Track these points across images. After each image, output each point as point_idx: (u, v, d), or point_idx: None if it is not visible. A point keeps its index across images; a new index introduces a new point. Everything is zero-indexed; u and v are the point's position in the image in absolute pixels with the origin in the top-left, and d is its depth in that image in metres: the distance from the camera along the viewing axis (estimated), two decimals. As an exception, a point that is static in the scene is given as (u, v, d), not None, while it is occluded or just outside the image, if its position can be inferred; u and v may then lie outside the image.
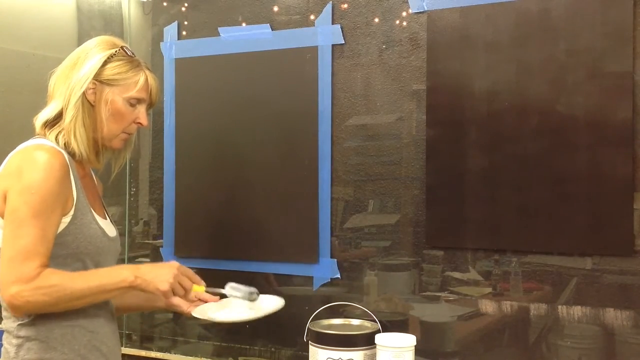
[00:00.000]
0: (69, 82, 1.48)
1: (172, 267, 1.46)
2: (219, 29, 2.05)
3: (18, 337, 1.41)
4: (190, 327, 2.11)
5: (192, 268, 1.96)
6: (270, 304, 1.58)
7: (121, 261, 2.17)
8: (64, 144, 1.47)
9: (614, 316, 1.58)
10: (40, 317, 1.40)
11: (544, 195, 1.63)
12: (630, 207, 1.55)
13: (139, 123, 1.55)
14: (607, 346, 1.59)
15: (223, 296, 1.55)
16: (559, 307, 1.63)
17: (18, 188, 1.37)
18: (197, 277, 1.52)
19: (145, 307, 1.76)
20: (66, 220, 1.42)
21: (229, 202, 2.00)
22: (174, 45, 2.13)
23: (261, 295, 1.59)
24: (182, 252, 2.09)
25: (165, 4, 2.18)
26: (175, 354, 2.10)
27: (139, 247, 2.21)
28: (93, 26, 2.31)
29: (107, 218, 1.59)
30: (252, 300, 1.56)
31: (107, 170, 1.66)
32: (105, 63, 1.49)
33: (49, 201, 1.37)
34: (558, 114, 1.62)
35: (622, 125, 1.56)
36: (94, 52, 1.50)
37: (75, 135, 1.47)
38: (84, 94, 1.47)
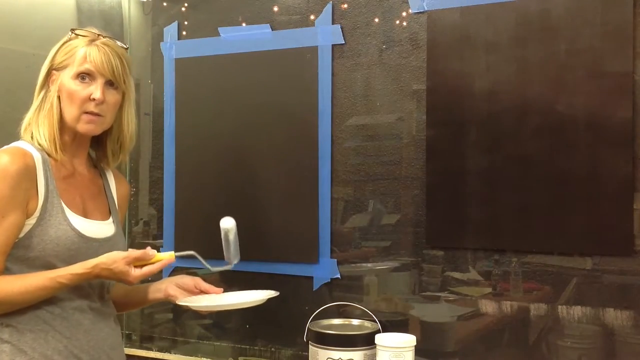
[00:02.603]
0: (38, 79, 1.51)
1: (116, 262, 1.40)
2: (219, 29, 2.05)
3: None
4: (190, 327, 2.11)
5: (192, 268, 1.99)
6: (261, 294, 1.58)
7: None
8: (37, 141, 1.46)
9: (614, 316, 1.58)
10: (12, 319, 1.39)
11: (544, 195, 1.63)
12: (630, 207, 1.55)
13: (93, 99, 1.45)
14: (607, 346, 1.59)
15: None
16: (559, 307, 1.63)
17: None
18: (140, 255, 1.44)
19: (144, 302, 1.71)
20: (30, 222, 1.40)
21: (229, 202, 2.00)
22: (174, 45, 2.13)
23: (252, 291, 1.61)
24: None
25: (165, 4, 2.18)
26: (175, 354, 2.10)
27: (139, 247, 2.18)
28: (93, 26, 2.30)
29: (110, 218, 1.55)
30: (224, 265, 1.57)
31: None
32: (58, 51, 1.49)
33: (1, 206, 1.36)
34: (558, 114, 1.62)
35: (622, 125, 1.56)
36: (56, 45, 1.52)
37: (38, 128, 1.47)
38: (47, 85, 1.49)
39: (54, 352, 1.41)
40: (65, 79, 1.47)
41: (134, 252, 1.43)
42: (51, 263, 1.41)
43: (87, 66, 1.46)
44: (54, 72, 1.49)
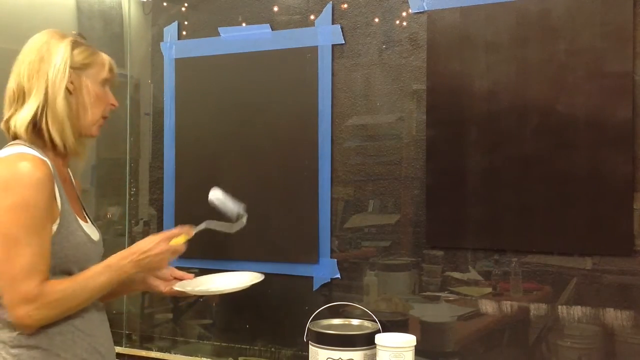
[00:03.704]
0: (44, 76, 1.43)
1: (158, 246, 1.47)
2: (219, 29, 2.05)
3: (18, 346, 1.37)
4: (190, 327, 2.11)
5: (192, 268, 1.99)
6: (248, 277, 1.66)
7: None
8: (51, 142, 1.43)
9: (614, 316, 1.58)
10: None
11: (544, 195, 1.63)
12: (630, 207, 1.55)
13: (112, 105, 1.55)
14: (607, 346, 1.59)
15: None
16: (559, 307, 1.63)
17: (6, 205, 1.32)
18: (176, 234, 1.52)
19: (126, 292, 1.77)
20: (53, 228, 1.39)
21: (229, 202, 2.00)
22: (174, 45, 2.13)
23: (237, 273, 1.71)
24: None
25: (165, 4, 2.18)
26: (175, 354, 2.10)
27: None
28: (93, 26, 2.31)
29: (88, 221, 1.55)
30: (236, 221, 1.62)
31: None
32: (72, 49, 1.47)
33: (41, 216, 1.34)
34: (558, 114, 1.62)
35: (622, 125, 1.56)
36: (55, 42, 1.47)
37: (64, 130, 1.44)
38: (67, 83, 1.44)
39: (83, 351, 1.43)
40: (91, 82, 1.49)
41: (167, 232, 1.52)
42: (70, 269, 1.42)
43: (112, 75, 1.53)
44: (72, 70, 1.46)
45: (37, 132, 1.44)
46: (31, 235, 1.32)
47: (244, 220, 1.63)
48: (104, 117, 1.54)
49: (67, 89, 1.45)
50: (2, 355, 1.38)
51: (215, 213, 1.62)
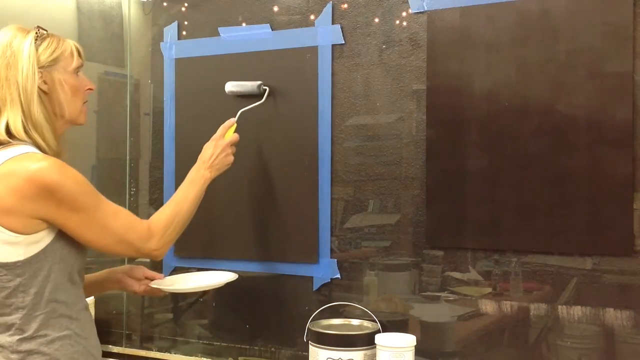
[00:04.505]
0: (15, 84, 1.41)
1: (218, 146, 1.71)
2: (219, 29, 2.05)
3: (17, 352, 1.37)
4: (190, 327, 2.11)
5: (192, 268, 1.99)
6: (223, 276, 1.76)
7: (121, 262, 2.17)
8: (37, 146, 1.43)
9: (614, 316, 1.58)
10: (40, 329, 1.39)
11: (544, 195, 1.63)
12: (630, 207, 1.55)
13: (89, 89, 1.56)
14: (607, 346, 1.59)
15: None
16: (559, 307, 1.63)
17: (71, 195, 1.37)
18: (225, 129, 1.76)
19: (102, 290, 1.80)
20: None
21: (229, 202, 2.00)
22: (174, 45, 2.13)
23: (213, 272, 1.83)
24: (182, 252, 2.09)
25: (165, 4, 2.18)
26: (175, 354, 2.10)
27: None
28: (93, 26, 2.31)
29: None
30: (261, 92, 1.89)
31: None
32: (36, 49, 1.44)
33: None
34: (558, 114, 1.62)
35: (622, 125, 1.56)
36: (18, 43, 1.43)
37: (44, 135, 1.43)
38: (38, 87, 1.43)
39: (79, 355, 1.44)
40: (63, 76, 1.48)
41: (218, 132, 1.75)
42: (72, 272, 1.46)
43: (80, 60, 1.53)
44: (42, 71, 1.44)
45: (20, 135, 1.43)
46: (104, 200, 1.45)
47: (267, 89, 1.89)
48: (84, 102, 1.55)
49: (40, 90, 1.43)
50: (3, 359, 1.38)
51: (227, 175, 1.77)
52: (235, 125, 1.77)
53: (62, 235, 1.41)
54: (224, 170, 1.73)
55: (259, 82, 1.90)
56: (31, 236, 1.36)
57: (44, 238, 1.38)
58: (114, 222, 1.44)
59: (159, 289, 1.68)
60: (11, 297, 1.38)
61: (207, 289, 1.79)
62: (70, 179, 1.38)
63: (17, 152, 1.39)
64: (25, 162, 1.37)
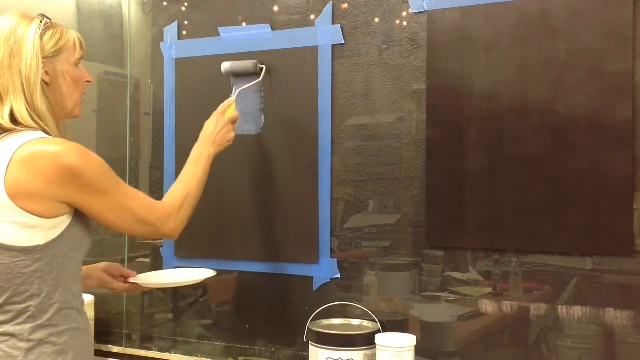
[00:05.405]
0: (17, 73, 1.39)
1: (219, 121, 1.73)
2: (219, 29, 2.05)
3: (28, 340, 1.36)
4: (190, 327, 2.11)
5: (191, 268, 1.98)
6: (201, 273, 1.81)
7: (121, 261, 2.17)
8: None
9: (614, 316, 1.58)
10: (54, 319, 1.38)
11: (544, 195, 1.63)
12: (630, 207, 1.55)
13: (88, 81, 1.55)
14: (607, 346, 1.59)
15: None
16: (559, 307, 1.63)
17: (93, 177, 1.38)
18: (225, 108, 1.77)
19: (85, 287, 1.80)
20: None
21: (229, 202, 2.00)
22: (174, 45, 2.13)
23: (192, 269, 1.89)
24: (183, 252, 2.09)
25: (165, 4, 2.18)
26: (175, 354, 2.10)
27: (139, 247, 2.21)
28: (93, 26, 2.31)
29: None
30: (257, 71, 1.91)
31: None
32: (41, 38, 1.42)
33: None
34: (558, 114, 1.62)
35: (622, 125, 1.56)
36: (22, 30, 1.41)
37: (48, 124, 1.42)
38: (40, 77, 1.41)
39: (85, 350, 1.46)
40: (65, 66, 1.47)
41: (218, 110, 1.77)
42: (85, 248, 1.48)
43: (82, 52, 1.53)
44: (45, 61, 1.43)
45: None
46: (123, 183, 1.47)
47: (264, 67, 1.91)
48: (83, 94, 1.55)
49: (43, 81, 1.42)
50: (9, 348, 1.35)
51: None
52: (234, 104, 1.79)
53: (77, 222, 1.41)
54: (225, 146, 1.75)
55: (255, 61, 1.92)
56: (52, 220, 1.36)
57: (62, 223, 1.38)
58: (134, 204, 1.46)
59: (137, 284, 1.72)
60: (26, 284, 1.36)
61: (185, 284, 1.84)
62: (92, 162, 1.39)
63: (32, 137, 1.37)
64: (47, 145, 1.36)
